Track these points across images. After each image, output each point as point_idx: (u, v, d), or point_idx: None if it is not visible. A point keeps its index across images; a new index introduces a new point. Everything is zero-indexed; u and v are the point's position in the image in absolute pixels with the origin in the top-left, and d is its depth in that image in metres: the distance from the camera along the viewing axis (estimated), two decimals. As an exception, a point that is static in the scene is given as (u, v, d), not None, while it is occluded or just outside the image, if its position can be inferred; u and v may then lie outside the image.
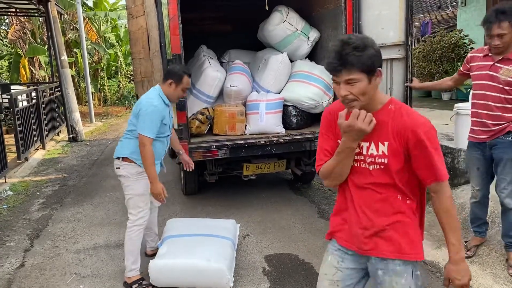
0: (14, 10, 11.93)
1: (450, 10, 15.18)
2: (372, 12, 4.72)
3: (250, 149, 5.05)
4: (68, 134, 10.83)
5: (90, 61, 19.24)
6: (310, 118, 5.66)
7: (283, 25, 5.68)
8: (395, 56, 4.43)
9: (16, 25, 14.72)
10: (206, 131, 5.25)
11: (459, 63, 10.12)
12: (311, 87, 5.41)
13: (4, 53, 17.89)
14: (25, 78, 15.33)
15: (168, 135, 3.83)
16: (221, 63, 6.48)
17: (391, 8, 4.44)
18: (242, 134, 5.27)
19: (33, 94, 9.40)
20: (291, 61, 5.90)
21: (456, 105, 5.09)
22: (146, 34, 4.87)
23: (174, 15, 4.61)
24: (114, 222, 5.22)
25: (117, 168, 3.74)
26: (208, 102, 5.46)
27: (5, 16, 15.43)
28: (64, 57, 10.57)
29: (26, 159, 8.37)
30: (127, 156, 3.62)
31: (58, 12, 12.29)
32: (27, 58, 15.33)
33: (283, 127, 5.40)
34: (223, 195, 6.09)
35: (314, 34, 5.84)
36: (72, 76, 18.18)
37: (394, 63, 4.47)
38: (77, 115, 10.85)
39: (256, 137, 5.13)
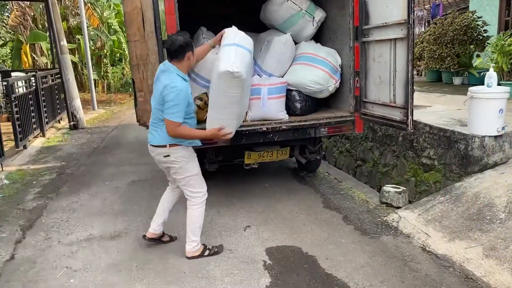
0: (13, -5, 11.68)
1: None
2: (378, -12, 4.41)
3: (251, 136, 4.79)
4: (69, 122, 10.63)
5: (93, 48, 19.00)
6: (315, 103, 5.38)
7: (287, 4, 5.36)
8: (398, 36, 4.09)
9: (17, 10, 14.47)
10: (205, 118, 4.97)
11: (471, 46, 9.75)
12: (316, 70, 5.12)
13: (7, 40, 17.67)
14: (27, 65, 15.13)
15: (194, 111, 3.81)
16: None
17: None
18: (243, 121, 5.00)
19: (32, 81, 9.18)
20: (295, 43, 5.59)
21: (471, 88, 4.79)
22: (141, 15, 4.60)
23: (170, -7, 4.33)
24: (111, 212, 5.01)
25: (165, 156, 3.63)
26: (207, 87, 5.16)
27: (7, 3, 15.16)
28: (64, 42, 10.32)
29: (25, 147, 8.18)
30: (173, 142, 3.58)
31: (58, -4, 12.04)
32: (28, 45, 15.09)
33: (287, 113, 5.12)
34: (224, 184, 5.85)
35: (319, 14, 5.52)
36: (75, 63, 18.01)
37: (397, 44, 4.13)
38: (77, 102, 10.63)
39: (258, 124, 4.86)
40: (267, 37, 5.54)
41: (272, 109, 4.97)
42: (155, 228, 4.07)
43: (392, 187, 4.86)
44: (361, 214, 4.67)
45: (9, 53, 17.34)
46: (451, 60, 9.92)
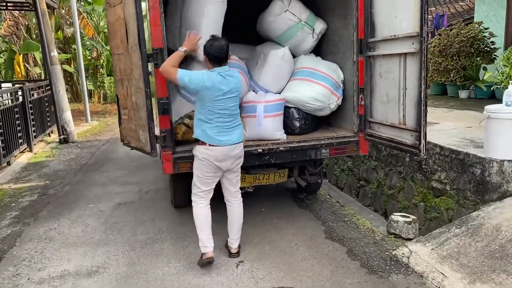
0: (4, 3, 11.30)
1: (464, 3, 14.32)
2: (386, -3, 3.99)
3: (245, 158, 4.31)
4: (59, 135, 10.19)
5: (89, 58, 18.64)
6: (315, 121, 4.95)
7: (285, 15, 4.95)
8: (409, 50, 3.66)
9: (10, 20, 14.10)
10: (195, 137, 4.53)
11: (478, 58, 9.34)
12: (317, 86, 4.69)
13: (3, 49, 17.30)
14: (20, 75, 14.74)
15: None
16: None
17: (406, -9, 3.69)
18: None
19: (19, 93, 8.75)
20: (294, 56, 5.18)
21: (488, 107, 4.35)
22: (124, 26, 4.18)
23: (154, 3, 3.92)
24: (90, 242, 4.54)
25: (242, 150, 3.87)
26: (197, 104, 4.75)
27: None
28: (54, 53, 9.91)
29: (9, 163, 7.75)
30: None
31: (50, 6, 11.67)
32: (21, 55, 14.70)
33: (284, 133, 4.68)
34: (216, 208, 5.35)
35: (320, 26, 5.11)
36: (70, 73, 17.64)
37: (408, 59, 3.70)
38: (68, 115, 10.20)
39: (253, 145, 4.43)
40: (263, 50, 5.12)
41: (268, 129, 4.54)
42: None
43: (401, 215, 4.40)
44: (367, 246, 4.20)
45: (3, 63, 16.95)
46: (456, 73, 9.51)
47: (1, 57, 17.21)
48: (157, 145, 4.15)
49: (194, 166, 3.79)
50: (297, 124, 4.78)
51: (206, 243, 3.81)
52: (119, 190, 6.37)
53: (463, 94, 9.72)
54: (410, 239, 4.23)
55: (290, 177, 5.26)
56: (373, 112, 4.35)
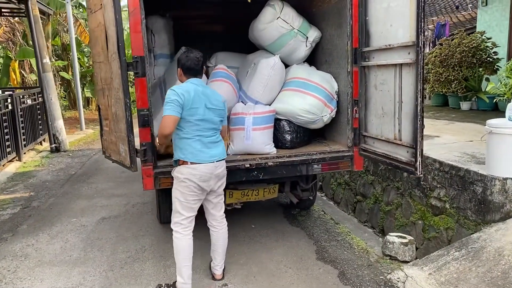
0: (-2, 9, 11.12)
1: (466, 12, 14.11)
2: (380, 5, 3.74)
3: (231, 174, 4.07)
4: (50, 144, 9.96)
5: (87, 65, 18.46)
6: (307, 134, 4.70)
7: (277, 22, 4.72)
8: (405, 61, 3.41)
9: (6, 26, 13.93)
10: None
11: (480, 69, 9.09)
12: (309, 97, 4.45)
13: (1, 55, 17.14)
14: (15, 82, 14.54)
15: None
16: (207, 68, 5.55)
17: (400, -1, 3.45)
18: (223, 155, 4.30)
19: (9, 101, 8.53)
20: (287, 65, 4.95)
21: (489, 122, 4.09)
22: (104, 32, 3.96)
23: (135, 8, 3.69)
24: (68, 261, 4.28)
25: (224, 169, 3.60)
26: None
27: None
28: (46, 60, 9.71)
29: (-5, 173, 7.51)
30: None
31: (45, 12, 11.50)
32: (17, 61, 14.53)
33: (275, 146, 4.43)
34: (202, 223, 5.10)
35: (314, 34, 4.88)
36: (68, 80, 17.46)
37: (404, 70, 3.44)
38: (60, 123, 9.97)
39: (240, 159, 4.17)
40: (254, 59, 4.89)
41: (257, 142, 4.28)
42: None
43: (396, 236, 4.13)
44: (360, 269, 3.93)
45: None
46: (458, 83, 9.25)
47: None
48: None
49: (174, 190, 3.43)
50: (288, 137, 4.53)
51: (188, 280, 3.44)
52: (105, 203, 6.11)
53: (464, 105, 9.46)
54: (406, 262, 3.96)
55: (281, 192, 5.01)
56: (368, 126, 4.10)
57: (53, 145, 9.90)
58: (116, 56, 3.69)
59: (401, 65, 3.47)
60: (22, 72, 14.85)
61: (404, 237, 4.12)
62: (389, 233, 4.23)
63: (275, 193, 4.66)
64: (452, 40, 9.68)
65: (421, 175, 3.36)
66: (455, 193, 4.48)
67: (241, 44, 5.50)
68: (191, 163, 3.34)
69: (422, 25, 3.15)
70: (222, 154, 3.51)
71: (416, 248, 4.58)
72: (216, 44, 6.12)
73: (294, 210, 5.53)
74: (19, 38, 14.35)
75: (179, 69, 3.49)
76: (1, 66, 15.02)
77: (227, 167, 4.00)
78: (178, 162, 3.40)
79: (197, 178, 3.35)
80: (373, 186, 6.01)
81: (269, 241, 4.61)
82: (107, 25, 3.83)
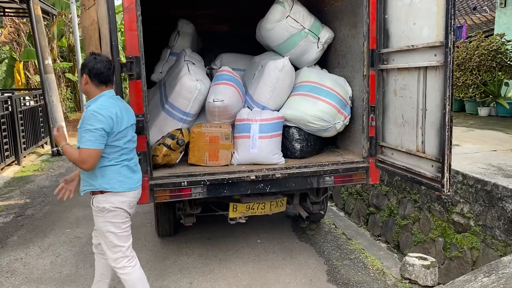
0: (2, 9, 10.89)
1: (482, 14, 13.64)
2: (401, 1, 3.36)
3: (235, 186, 3.73)
4: (52, 147, 9.68)
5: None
6: (319, 143, 4.33)
7: (286, 21, 4.36)
8: (430, 64, 3.02)
9: (10, 26, 13.73)
10: (178, 161, 3.94)
11: (500, 73, 8.65)
12: (321, 103, 4.08)
13: (3, 57, 16.98)
14: (20, 84, 14.33)
15: None
16: (211, 70, 5.21)
17: (427, -6, 3.07)
18: (227, 165, 3.95)
19: (9, 103, 8.26)
20: (296, 68, 4.59)
21: (522, 132, 3.68)
22: (98, 30, 3.63)
23: (131, 3, 3.35)
24: (57, 278, 3.94)
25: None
26: (184, 121, 4.17)
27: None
28: (48, 61, 9.44)
29: (-9, 178, 7.22)
30: None
31: (49, 13, 11.25)
32: (22, 62, 14.32)
33: (283, 156, 4.06)
34: (205, 237, 4.77)
35: (326, 34, 4.51)
36: (74, 81, 17.23)
37: (429, 74, 3.06)
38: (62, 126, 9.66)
39: (245, 170, 3.81)
40: (261, 61, 4.54)
41: (264, 151, 3.92)
42: None
43: (417, 257, 3.74)
44: (376, 294, 3.55)
45: (4, 71, 16.62)
46: (476, 88, 8.83)
47: (2, 66, 16.89)
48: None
49: (104, 224, 2.88)
50: (298, 146, 4.16)
51: None
52: (103, 212, 5.77)
53: (483, 111, 9.02)
54: (428, 287, 3.57)
55: (290, 204, 4.65)
56: (386, 136, 3.71)
57: (54, 149, 9.61)
58: (109, 56, 3.35)
59: (425, 68, 3.09)
60: (27, 73, 14.63)
61: (426, 259, 3.72)
62: (409, 254, 3.83)
63: (283, 206, 4.29)
64: (469, 42, 9.25)
65: (449, 193, 2.97)
66: (480, 209, 4.08)
67: (249, 45, 5.14)
68: (116, 191, 2.86)
69: (453, 23, 2.77)
70: (138, 182, 3.03)
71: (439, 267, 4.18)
72: (221, 44, 5.79)
73: (303, 223, 5.15)
74: (24, 39, 14.13)
75: (84, 76, 2.82)
76: (6, 67, 14.82)
77: (230, 179, 3.68)
78: (97, 192, 2.87)
79: (127, 205, 2.91)
80: (387, 197, 5.61)
81: (276, 258, 4.24)
82: (101, 23, 3.50)
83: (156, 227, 4.78)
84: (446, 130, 2.86)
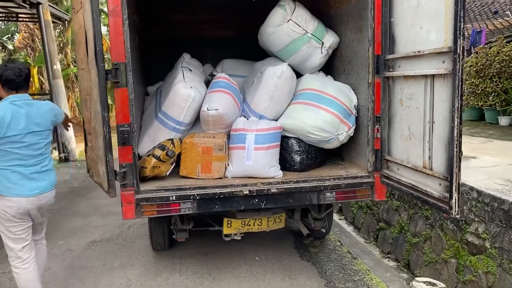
0: (14, 14, 10.93)
1: (504, 19, 13.12)
2: (408, 3, 3.07)
3: (228, 201, 3.48)
4: (59, 153, 9.59)
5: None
6: (320, 155, 4.05)
7: (287, 25, 4.11)
8: (438, 71, 2.72)
9: (25, 32, 13.82)
10: (169, 173, 3.71)
11: (522, 81, 8.20)
12: (322, 112, 3.81)
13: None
14: (33, 89, 14.39)
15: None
16: (213, 77, 4.97)
17: (434, -5, 2.77)
18: (220, 178, 3.71)
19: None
20: (301, 74, 4.33)
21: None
22: (85, 35, 3.44)
23: (116, 6, 3.15)
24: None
25: (53, 197, 3.22)
26: (177, 130, 3.94)
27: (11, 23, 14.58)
28: (57, 66, 9.39)
29: (-6, 184, 7.11)
30: None
31: (61, 18, 11.25)
32: (36, 68, 14.40)
33: (282, 169, 3.80)
34: (201, 252, 4.52)
35: (330, 39, 4.23)
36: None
37: (436, 83, 2.75)
38: (69, 132, 9.60)
39: (238, 184, 3.55)
40: (261, 67, 4.29)
41: (259, 164, 3.66)
42: None
43: (425, 282, 3.41)
44: (379, 323, 3.24)
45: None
46: (496, 96, 8.38)
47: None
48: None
49: None
50: (297, 158, 3.88)
51: None
52: (100, 222, 5.60)
53: (503, 120, 8.56)
54: (436, 316, 3.24)
55: (291, 218, 4.38)
56: (392, 149, 3.41)
57: (62, 154, 9.55)
58: (94, 62, 3.15)
59: (433, 76, 2.79)
60: (41, 78, 14.71)
61: (435, 284, 3.39)
62: (416, 278, 3.51)
63: (281, 223, 4.02)
64: (490, 48, 8.82)
65: (458, 216, 2.66)
66: (497, 230, 3.72)
67: (254, 50, 4.87)
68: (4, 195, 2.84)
69: (462, 26, 2.47)
70: (49, 186, 3.07)
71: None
72: (225, 50, 5.56)
73: (307, 239, 4.85)
74: (38, 44, 14.21)
75: None
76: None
77: (221, 194, 3.43)
78: None
79: (14, 211, 2.86)
80: (398, 212, 5.27)
81: (274, 279, 3.96)
82: (87, 27, 3.30)
83: (150, 241, 4.56)
84: (455, 145, 2.56)
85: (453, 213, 2.62)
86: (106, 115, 3.18)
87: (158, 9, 5.55)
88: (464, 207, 4.14)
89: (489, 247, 3.80)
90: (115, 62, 3.18)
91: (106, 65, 3.25)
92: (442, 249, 4.38)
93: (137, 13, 4.57)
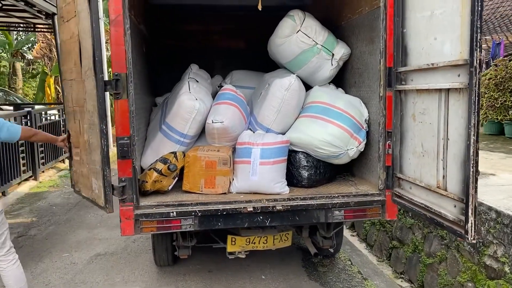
0: (32, 25, 11.07)
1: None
2: (421, 13, 2.91)
3: (231, 218, 3.33)
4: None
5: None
6: (329, 171, 3.88)
7: (296, 36, 3.99)
8: (453, 85, 2.54)
9: (43, 42, 14.02)
10: (171, 187, 3.59)
11: (543, 94, 7.92)
12: (331, 126, 3.65)
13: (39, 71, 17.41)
14: (50, 98, 14.56)
15: None
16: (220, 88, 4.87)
17: (448, 4, 2.60)
18: (224, 193, 3.57)
19: (28, 117, 8.24)
20: (310, 87, 4.19)
21: None
22: (78, 45, 3.35)
23: (118, 15, 3.06)
24: (39, 311, 3.64)
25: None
26: (181, 143, 3.82)
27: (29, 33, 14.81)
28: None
29: (4, 193, 7.12)
30: None
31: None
32: (53, 77, 14.57)
33: (289, 184, 3.65)
34: (206, 269, 4.38)
35: (341, 50, 4.09)
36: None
37: (451, 98, 2.58)
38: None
39: (242, 200, 3.41)
40: (270, 79, 4.16)
41: (265, 179, 3.51)
42: None
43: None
44: None
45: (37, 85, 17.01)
46: (517, 110, 8.11)
47: (37, 80, 17.30)
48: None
49: None
50: (305, 174, 3.72)
51: None
52: (106, 235, 5.50)
53: (524, 135, 8.27)
54: None
55: (298, 235, 4.21)
56: (404, 166, 3.23)
57: (74, 164, 9.50)
58: (91, 72, 3.06)
59: (447, 90, 2.62)
60: (57, 87, 14.87)
61: (449, 311, 3.18)
62: (429, 304, 3.30)
63: (288, 241, 3.85)
64: (509, 61, 8.56)
65: (474, 241, 2.46)
66: (517, 253, 3.49)
67: (266, 61, 4.74)
68: None
69: (479, 37, 2.31)
70: None
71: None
72: (236, 61, 5.47)
73: (316, 257, 4.67)
74: (55, 54, 14.38)
75: None
76: (38, 81, 15.14)
77: (225, 210, 3.29)
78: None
79: None
80: (412, 231, 5.05)
81: (279, 299, 3.79)
82: (82, 36, 3.22)
83: (153, 256, 4.43)
84: (471, 165, 2.37)
85: (469, 238, 2.43)
86: (104, 127, 3.09)
87: (169, 19, 5.50)
88: (482, 228, 3.91)
89: (508, 271, 3.57)
90: (116, 73, 3.08)
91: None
92: (458, 271, 4.15)
93: (145, 22, 4.50)
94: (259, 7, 3.37)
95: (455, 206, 2.60)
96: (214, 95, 4.30)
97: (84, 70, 3.17)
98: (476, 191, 2.41)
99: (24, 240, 5.37)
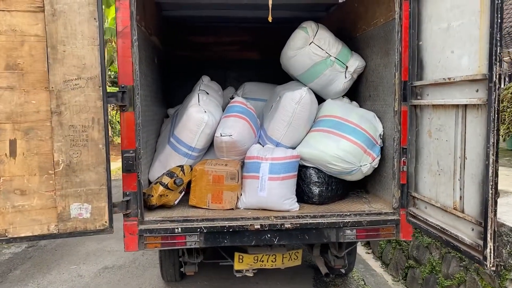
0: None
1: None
2: (437, 25, 2.78)
3: (237, 236, 3.22)
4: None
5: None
6: (341, 187, 3.74)
7: (309, 48, 3.88)
8: (471, 101, 2.39)
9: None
10: (177, 201, 3.50)
11: None
12: (344, 141, 3.52)
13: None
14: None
15: None
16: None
17: (466, 16, 2.46)
18: (232, 209, 3.46)
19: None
20: (323, 100, 4.08)
21: None
22: (25, 45, 3.00)
23: (125, 27, 3.01)
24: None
25: None
26: (189, 156, 3.74)
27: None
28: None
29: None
30: None
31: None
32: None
33: (299, 201, 3.52)
34: (214, 286, 4.26)
35: (355, 63, 3.97)
36: (122, 106, 17.60)
37: (469, 114, 2.47)
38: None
39: (249, 217, 3.29)
40: (281, 91, 4.06)
41: (274, 195, 3.39)
42: None
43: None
44: None
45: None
46: (541, 125, 7.82)
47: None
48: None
49: None
50: (316, 190, 3.59)
51: None
52: (115, 247, 5.44)
53: (549, 151, 7.96)
54: None
55: (309, 252, 4.06)
56: (419, 185, 3.08)
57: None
58: (91, 82, 2.96)
59: (465, 106, 2.47)
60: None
61: None
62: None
63: (298, 260, 3.71)
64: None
65: (493, 268, 2.29)
66: (541, 279, 3.28)
67: (279, 73, 4.64)
68: None
69: (498, 51, 2.16)
70: None
71: None
72: (249, 73, 5.41)
73: (328, 276, 4.48)
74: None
75: None
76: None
77: (231, 227, 3.17)
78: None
79: None
80: (429, 250, 4.84)
81: (287, 321, 3.65)
82: (58, 39, 2.85)
83: (160, 271, 4.34)
84: (490, 186, 2.22)
85: (488, 265, 2.26)
86: (107, 142, 3.00)
87: (181, 31, 5.48)
88: (504, 250, 3.70)
89: (532, 298, 3.35)
90: (122, 85, 3.02)
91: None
92: (477, 295, 3.93)
93: (157, 34, 4.47)
94: (269, 19, 3.29)
95: (472, 230, 2.44)
96: (225, 107, 4.23)
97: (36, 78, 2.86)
98: (495, 215, 2.25)
99: (34, 250, 5.35)
